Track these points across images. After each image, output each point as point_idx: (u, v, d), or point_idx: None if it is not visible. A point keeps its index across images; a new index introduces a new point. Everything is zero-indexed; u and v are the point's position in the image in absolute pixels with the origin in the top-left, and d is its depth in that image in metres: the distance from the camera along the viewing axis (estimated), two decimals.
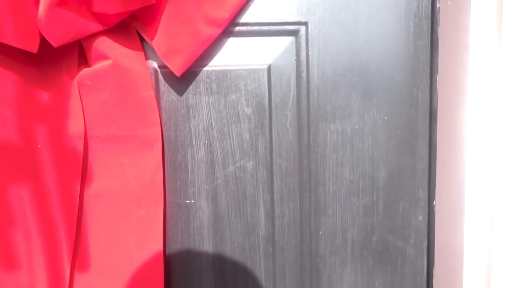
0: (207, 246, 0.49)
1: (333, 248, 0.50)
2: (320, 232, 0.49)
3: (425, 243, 0.50)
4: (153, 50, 0.46)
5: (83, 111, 0.45)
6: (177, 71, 0.44)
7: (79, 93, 0.44)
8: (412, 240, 0.50)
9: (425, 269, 0.50)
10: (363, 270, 0.50)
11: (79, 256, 0.46)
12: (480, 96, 0.43)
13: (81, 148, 0.44)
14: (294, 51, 0.48)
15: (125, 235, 0.46)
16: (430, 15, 0.48)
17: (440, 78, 0.48)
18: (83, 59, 0.45)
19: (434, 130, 0.49)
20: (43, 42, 0.40)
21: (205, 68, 0.47)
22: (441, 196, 0.48)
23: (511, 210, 0.44)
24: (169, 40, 0.44)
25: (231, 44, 0.47)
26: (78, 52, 0.45)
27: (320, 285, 0.50)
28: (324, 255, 0.50)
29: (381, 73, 0.48)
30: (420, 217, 0.50)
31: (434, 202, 0.49)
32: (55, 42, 0.39)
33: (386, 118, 0.49)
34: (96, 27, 0.42)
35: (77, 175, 0.45)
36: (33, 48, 0.39)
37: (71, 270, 0.45)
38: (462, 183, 0.44)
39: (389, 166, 0.49)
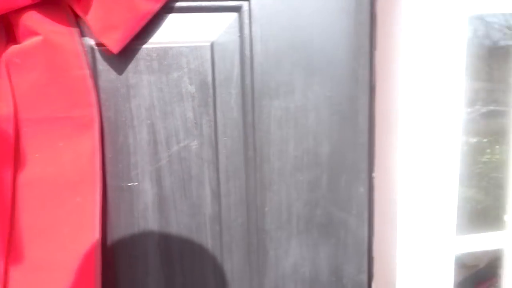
0: (152, 228, 0.48)
1: (279, 224, 0.51)
2: (266, 209, 0.50)
3: (366, 213, 0.53)
4: (87, 28, 0.44)
5: (12, 92, 0.41)
6: (114, 48, 0.42)
7: (8, 73, 0.41)
8: (354, 212, 0.52)
9: (366, 239, 0.53)
10: (308, 243, 0.52)
11: (12, 249, 0.43)
12: (414, 71, 0.45)
13: (10, 131, 0.41)
14: (237, 28, 0.47)
15: (61, 225, 0.44)
16: None
17: (378, 54, 0.49)
18: (12, 36, 0.42)
19: (373, 105, 0.50)
20: None
21: (145, 46, 0.46)
22: (379, 168, 0.51)
23: (440, 180, 0.48)
24: (104, 15, 0.41)
25: (172, 21, 0.46)
26: (5, 28, 0.41)
27: (267, 260, 0.51)
28: (270, 231, 0.51)
29: (323, 50, 0.49)
30: (362, 189, 0.52)
31: (373, 174, 0.52)
32: None
33: (328, 94, 0.50)
34: (24, 0, 0.39)
35: (9, 162, 0.42)
36: None
37: (5, 264, 0.43)
38: (397, 155, 0.47)
39: (331, 141, 0.51)
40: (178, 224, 0.49)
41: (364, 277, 0.54)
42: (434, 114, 0.46)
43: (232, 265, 0.51)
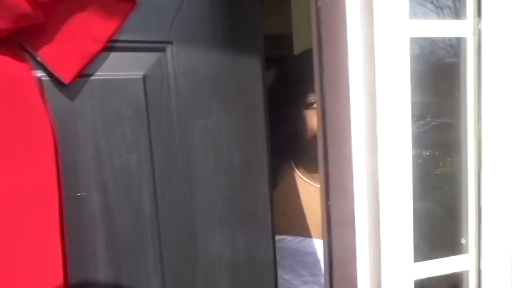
0: (99, 232, 0.57)
1: (206, 218, 0.63)
2: (195, 207, 0.62)
3: (269, 205, 0.68)
4: (35, 62, 0.52)
5: None
6: (67, 80, 0.51)
7: None
8: (261, 205, 0.67)
9: (270, 224, 0.69)
10: (228, 231, 0.65)
11: None
12: (363, 90, 0.48)
13: None
14: (163, 64, 0.60)
15: (19, 233, 0.50)
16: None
17: (326, 76, 0.55)
18: None
19: (325, 126, 0.57)
20: None
21: (87, 77, 0.55)
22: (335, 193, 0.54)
23: (395, 197, 0.47)
24: (58, 53, 0.50)
25: (111, 57, 0.56)
26: None
27: (198, 249, 0.63)
28: (199, 224, 0.63)
29: (232, 82, 0.64)
30: (265, 187, 0.68)
31: (329, 202, 0.56)
32: None
33: (236, 116, 0.65)
34: None
35: None
36: None
37: None
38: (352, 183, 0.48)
39: (241, 152, 0.65)
40: (123, 225, 0.58)
41: (271, 255, 0.69)
42: (386, 129, 0.46)
43: (169, 256, 0.61)
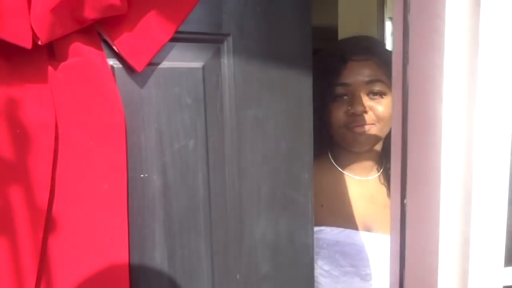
0: (158, 211, 0.60)
1: (252, 203, 0.67)
2: (242, 192, 0.66)
3: (310, 193, 0.72)
4: (109, 50, 0.55)
5: (53, 101, 0.51)
6: (139, 68, 0.55)
7: (50, 85, 0.50)
8: (302, 192, 0.71)
9: (310, 211, 0.73)
10: (272, 216, 0.69)
11: (50, 230, 0.52)
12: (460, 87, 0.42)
13: (52, 135, 0.50)
14: (220, 55, 0.63)
15: (91, 209, 0.54)
16: None
17: (410, 68, 0.47)
18: (52, 55, 0.51)
19: (405, 125, 0.56)
20: None
21: (154, 66, 0.58)
22: (412, 193, 0.50)
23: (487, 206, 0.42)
24: (133, 43, 0.54)
25: (174, 47, 0.60)
26: (47, 49, 0.50)
27: (244, 231, 0.67)
28: (246, 208, 0.67)
29: (280, 75, 0.67)
30: (306, 175, 0.72)
31: (405, 200, 0.52)
32: (44, 39, 0.46)
33: (284, 107, 0.68)
34: (73, 28, 0.49)
35: (49, 159, 0.50)
36: (27, 43, 0.45)
37: (42, 244, 0.51)
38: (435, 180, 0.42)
39: (286, 141, 0.69)
40: (178, 206, 0.62)
41: (310, 241, 0.73)
42: (481, 135, 0.40)
43: (218, 237, 0.65)
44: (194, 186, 0.63)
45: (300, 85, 0.70)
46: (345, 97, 0.92)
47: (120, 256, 0.55)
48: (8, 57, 0.47)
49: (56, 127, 0.51)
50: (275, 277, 0.70)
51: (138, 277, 0.59)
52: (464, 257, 0.41)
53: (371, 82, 0.90)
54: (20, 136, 0.48)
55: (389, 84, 0.91)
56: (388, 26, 1.78)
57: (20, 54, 0.48)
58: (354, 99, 0.89)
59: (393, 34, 0.44)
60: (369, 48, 0.93)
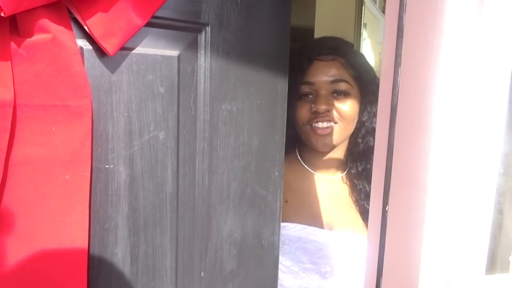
0: (123, 205, 0.57)
1: (221, 199, 0.65)
2: (212, 187, 0.64)
3: (279, 191, 0.72)
4: (78, 30, 0.51)
5: (13, 80, 0.46)
6: (111, 51, 0.51)
7: (11, 62, 0.45)
8: (271, 190, 0.71)
9: (278, 209, 0.72)
10: (240, 213, 0.68)
11: (1, 222, 0.47)
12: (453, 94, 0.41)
13: (9, 116, 0.46)
14: (197, 45, 0.61)
15: (48, 199, 0.50)
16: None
17: (403, 70, 0.45)
18: (14, 30, 0.46)
19: (393, 128, 0.54)
20: None
21: (127, 51, 0.55)
22: (394, 201, 0.49)
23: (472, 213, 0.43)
24: (106, 24, 0.50)
25: (150, 33, 0.56)
26: (10, 22, 0.46)
27: (211, 227, 0.65)
28: (214, 205, 0.65)
29: (257, 70, 0.66)
30: (276, 173, 0.71)
31: (387, 208, 0.50)
32: (8, 11, 0.41)
33: (258, 102, 0.67)
34: (41, 2, 0.44)
35: (3, 143, 0.46)
36: None
37: None
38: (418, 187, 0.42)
39: (259, 137, 0.68)
40: (145, 200, 0.59)
41: (276, 239, 0.72)
42: (470, 142, 0.40)
43: (185, 233, 0.63)
44: (162, 180, 0.60)
45: (276, 82, 0.68)
46: (310, 96, 0.92)
47: (79, 252, 0.52)
48: None
49: (15, 108, 0.46)
50: (240, 275, 0.69)
51: (97, 273, 0.56)
52: (446, 265, 0.41)
53: (335, 81, 0.91)
54: None
55: (353, 85, 0.93)
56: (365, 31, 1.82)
57: None
58: (317, 98, 0.90)
59: (384, 34, 0.43)
60: (335, 49, 0.94)
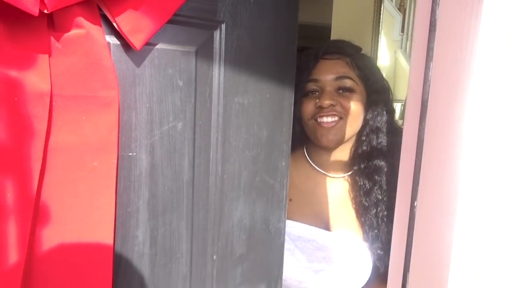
0: (144, 190, 0.61)
1: (232, 187, 0.70)
2: (225, 176, 0.68)
3: (285, 180, 0.76)
4: (107, 27, 0.54)
5: (50, 72, 0.49)
6: (138, 46, 0.55)
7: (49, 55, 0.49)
8: (279, 179, 0.75)
9: (284, 197, 0.76)
10: (250, 201, 0.72)
11: (40, 204, 0.51)
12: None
13: (47, 105, 0.49)
14: (213, 42, 0.65)
15: (78, 184, 0.54)
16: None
17: (435, 65, 0.46)
18: (51, 26, 0.49)
19: (423, 124, 0.50)
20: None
21: (150, 46, 0.58)
22: (423, 196, 0.48)
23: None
24: (133, 21, 0.54)
25: (171, 29, 0.60)
26: (47, 19, 0.49)
27: (223, 213, 0.69)
28: (226, 192, 0.69)
29: (267, 66, 0.70)
30: (284, 163, 0.75)
31: (415, 202, 0.50)
32: (51, 7, 0.44)
33: (268, 96, 0.71)
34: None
35: (43, 130, 0.49)
36: (34, 11, 0.43)
37: (33, 217, 0.50)
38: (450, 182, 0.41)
39: (268, 129, 0.72)
40: (163, 187, 0.63)
41: (282, 225, 0.77)
42: (504, 136, 0.39)
43: (199, 219, 0.67)
44: (180, 168, 0.64)
45: (284, 77, 0.73)
46: (316, 93, 0.96)
47: (105, 234, 0.55)
48: (8, 24, 0.46)
49: (51, 98, 0.50)
50: (248, 259, 0.74)
51: (120, 255, 0.60)
52: (478, 266, 0.38)
53: (340, 78, 0.95)
54: (18, 104, 0.46)
55: (358, 83, 0.97)
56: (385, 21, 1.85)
57: (21, 21, 0.46)
58: (322, 94, 0.94)
59: (415, 27, 0.43)
60: (341, 48, 0.98)
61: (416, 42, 0.44)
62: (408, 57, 1.61)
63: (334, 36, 2.14)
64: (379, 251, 0.92)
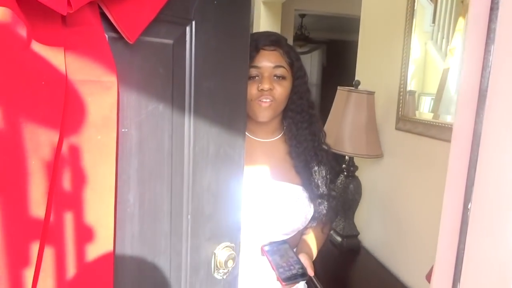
0: (133, 162, 0.73)
1: (202, 157, 0.84)
2: (196, 148, 0.82)
3: (242, 151, 0.92)
4: (105, 23, 0.65)
5: (65, 60, 0.59)
6: (132, 40, 0.66)
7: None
8: (237, 150, 0.91)
9: (242, 165, 0.92)
10: (215, 169, 0.87)
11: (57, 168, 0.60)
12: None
13: (63, 89, 0.59)
14: (185, 35, 0.77)
15: (85, 154, 0.64)
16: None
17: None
18: (63, 22, 0.59)
19: (481, 114, 0.45)
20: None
21: (139, 39, 0.70)
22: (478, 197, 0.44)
23: None
24: (129, 18, 0.65)
25: (154, 25, 0.72)
26: (61, 16, 0.58)
27: (195, 180, 0.83)
28: (197, 162, 0.83)
29: (229, 57, 0.85)
30: (240, 137, 0.91)
31: (469, 205, 0.46)
32: (76, 6, 0.54)
33: (229, 80, 0.86)
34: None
35: (60, 109, 0.59)
36: (63, 10, 0.53)
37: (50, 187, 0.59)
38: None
39: (229, 109, 0.87)
40: (149, 157, 0.75)
41: (240, 188, 0.93)
42: None
43: (177, 184, 0.80)
44: (161, 142, 0.76)
45: (241, 64, 0.88)
46: (257, 78, 1.15)
47: (108, 196, 0.67)
48: (34, 22, 0.54)
49: (66, 82, 0.59)
50: (214, 217, 0.89)
51: (118, 215, 0.71)
52: None
53: (276, 67, 1.15)
54: (45, 87, 0.56)
55: (288, 70, 1.18)
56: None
57: (42, 20, 0.55)
58: (263, 79, 1.13)
59: (471, 7, 0.39)
60: (276, 41, 1.17)
61: (474, 22, 0.39)
62: (439, 48, 1.59)
63: (363, 28, 2.13)
64: (318, 200, 1.17)
